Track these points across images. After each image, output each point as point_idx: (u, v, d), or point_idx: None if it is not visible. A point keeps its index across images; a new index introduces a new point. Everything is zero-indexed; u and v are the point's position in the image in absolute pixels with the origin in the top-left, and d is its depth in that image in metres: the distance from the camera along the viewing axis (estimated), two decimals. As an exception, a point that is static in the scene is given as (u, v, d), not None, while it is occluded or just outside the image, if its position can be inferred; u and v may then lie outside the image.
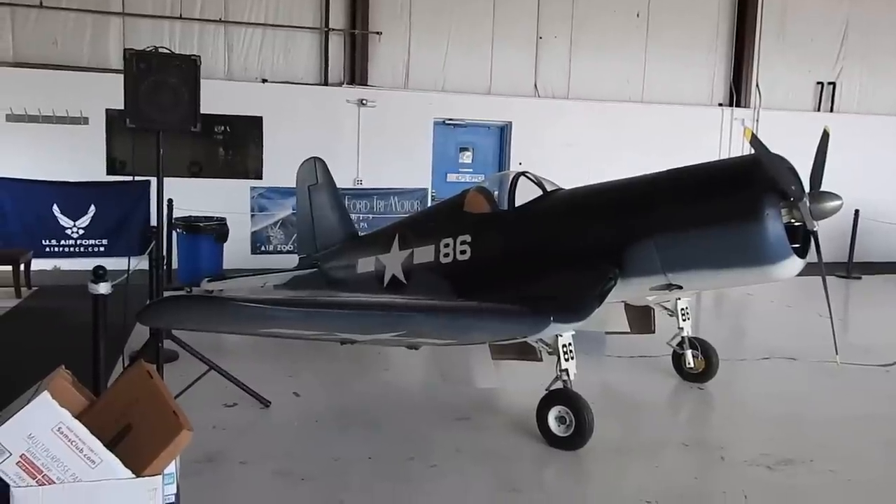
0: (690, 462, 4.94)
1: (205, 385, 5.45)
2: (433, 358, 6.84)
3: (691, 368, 6.45)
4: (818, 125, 5.58)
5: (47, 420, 2.88)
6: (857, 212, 12.54)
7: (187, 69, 5.86)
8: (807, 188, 4.84)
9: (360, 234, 8.44)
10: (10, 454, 2.86)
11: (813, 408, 6.00)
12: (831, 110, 14.81)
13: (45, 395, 2.90)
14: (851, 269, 12.68)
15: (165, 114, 5.78)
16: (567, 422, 4.95)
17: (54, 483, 2.89)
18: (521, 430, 5.23)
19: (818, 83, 14.90)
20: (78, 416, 3.00)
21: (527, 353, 5.41)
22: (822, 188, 4.97)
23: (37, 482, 2.88)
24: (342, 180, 9.84)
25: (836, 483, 4.63)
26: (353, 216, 9.82)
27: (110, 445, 3.01)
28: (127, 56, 5.69)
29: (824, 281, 4.97)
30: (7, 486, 2.90)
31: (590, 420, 4.90)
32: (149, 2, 11.64)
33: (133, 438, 3.11)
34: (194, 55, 6.00)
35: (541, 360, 5.42)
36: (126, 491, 2.94)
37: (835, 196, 4.81)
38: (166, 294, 6.04)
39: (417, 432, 5.24)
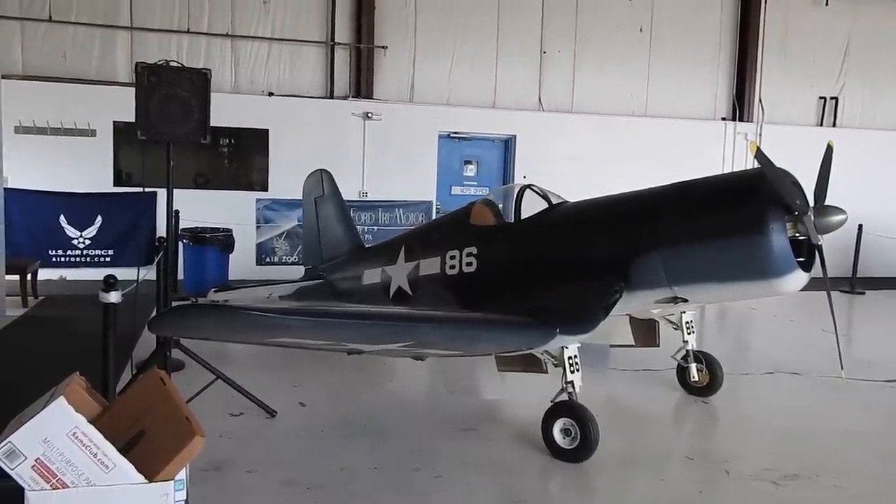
0: (695, 476, 4.93)
1: (211, 394, 5.49)
2: (439, 369, 6.84)
3: (696, 382, 6.46)
4: (821, 140, 5.63)
5: (62, 425, 2.92)
6: (860, 227, 12.56)
7: (197, 82, 5.93)
8: (811, 202, 4.89)
9: (366, 245, 8.48)
10: (26, 458, 2.89)
11: (817, 422, 6.00)
12: (834, 125, 14.87)
13: (61, 401, 2.94)
14: (855, 284, 12.70)
15: (176, 126, 5.85)
16: (572, 434, 4.96)
17: (68, 487, 2.93)
18: (527, 441, 5.25)
19: (820, 98, 14.97)
20: (92, 422, 3.03)
21: (532, 364, 5.44)
22: (827, 202, 5.02)
23: (51, 486, 2.92)
24: (347, 193, 9.86)
25: (842, 498, 4.63)
26: (358, 228, 9.86)
27: (124, 451, 3.04)
28: (138, 69, 5.76)
29: (829, 295, 5.00)
30: (22, 489, 2.93)
31: (595, 432, 4.91)
32: (156, 16, 11.76)
33: (146, 444, 3.14)
34: (205, 68, 6.07)
35: (546, 371, 5.45)
36: (138, 496, 2.97)
37: (839, 210, 4.84)
38: (174, 304, 6.09)
39: (423, 443, 5.26)
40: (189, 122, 5.87)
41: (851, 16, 14.81)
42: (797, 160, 5.73)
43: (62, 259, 10.98)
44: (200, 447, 3.12)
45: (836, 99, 14.99)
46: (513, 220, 6.09)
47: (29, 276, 9.45)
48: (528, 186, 6.20)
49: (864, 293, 12.61)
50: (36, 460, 2.90)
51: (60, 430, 2.91)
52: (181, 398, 3.42)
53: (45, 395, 3.24)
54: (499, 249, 6.03)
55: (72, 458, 2.92)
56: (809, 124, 14.79)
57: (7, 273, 8.64)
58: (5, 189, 8.82)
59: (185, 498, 3.21)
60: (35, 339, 7.91)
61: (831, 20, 14.73)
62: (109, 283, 4.51)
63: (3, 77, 8.69)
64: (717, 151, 14.03)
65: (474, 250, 6.11)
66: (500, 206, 6.34)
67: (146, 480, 2.99)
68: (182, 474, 3.15)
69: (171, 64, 5.95)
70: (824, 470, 4.99)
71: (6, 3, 11.10)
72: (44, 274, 10.21)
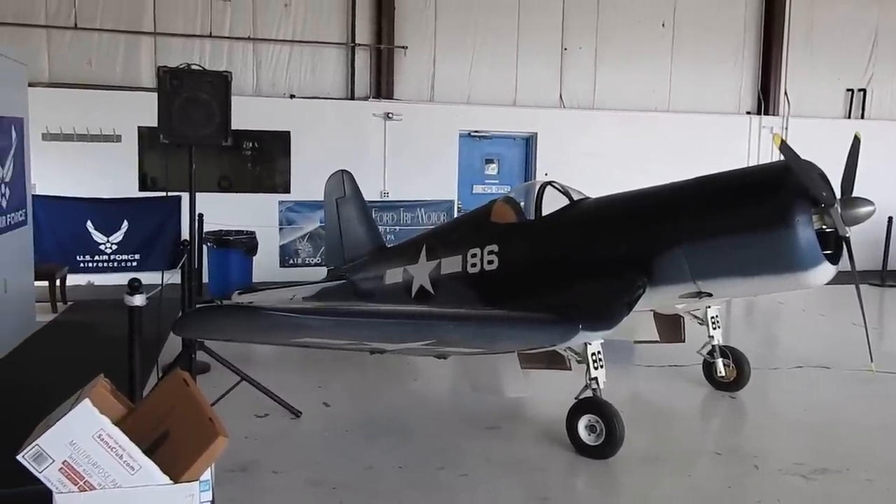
0: (723, 471, 4.90)
1: (236, 396, 5.53)
2: (462, 367, 6.83)
3: (722, 377, 6.39)
4: (849, 132, 5.52)
5: (88, 427, 2.95)
6: (890, 219, 12.35)
7: (218, 85, 5.97)
8: (838, 194, 4.81)
9: (388, 245, 8.49)
10: (53, 461, 2.93)
11: (848, 416, 5.91)
12: (862, 117, 14.60)
13: (87, 403, 2.97)
14: (886, 277, 12.47)
15: (197, 129, 5.90)
16: (597, 430, 4.94)
17: (95, 489, 2.96)
18: (551, 439, 5.23)
19: (848, 90, 14.71)
20: (117, 424, 3.06)
21: (556, 361, 5.42)
22: (854, 194, 4.93)
23: (78, 488, 2.95)
24: (369, 193, 9.90)
25: (873, 492, 4.57)
26: (380, 228, 9.87)
27: (149, 452, 3.06)
28: (160, 73, 5.82)
29: (857, 285, 4.93)
30: (50, 492, 2.97)
31: (620, 429, 4.88)
32: (179, 21, 11.85)
33: (171, 445, 3.16)
34: (225, 71, 6.11)
35: (570, 368, 5.42)
36: (164, 497, 2.99)
37: (867, 201, 4.77)
38: (199, 306, 6.13)
39: (447, 442, 5.26)
40: (210, 124, 5.92)
41: (879, 7, 14.53)
42: (825, 153, 5.64)
43: (90, 264, 11.12)
44: (224, 447, 3.14)
45: (863, 91, 14.73)
46: (534, 218, 6.06)
47: (57, 282, 9.57)
48: (549, 183, 6.17)
49: (895, 286, 12.38)
50: (63, 463, 2.93)
51: (86, 433, 2.93)
52: (205, 399, 3.45)
53: (70, 399, 3.28)
54: (520, 247, 6.01)
55: (98, 460, 2.95)
56: (837, 117, 14.54)
57: (36, 279, 8.75)
58: (33, 196, 8.94)
59: (210, 499, 3.23)
60: (64, 344, 8.01)
61: (858, 12, 14.46)
62: (134, 287, 4.56)
63: (30, 85, 8.79)
64: (743, 146, 13.83)
65: (496, 248, 6.09)
66: (522, 203, 6.31)
67: (171, 481, 3.01)
68: (207, 475, 3.17)
69: (193, 67, 6.00)
70: (855, 464, 4.92)
71: (33, 12, 11.26)
72: (72, 279, 10.32)
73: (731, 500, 4.52)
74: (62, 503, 2.95)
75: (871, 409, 6.09)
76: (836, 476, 4.75)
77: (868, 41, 14.63)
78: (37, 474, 2.94)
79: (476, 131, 13.03)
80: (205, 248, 10.38)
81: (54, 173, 10.73)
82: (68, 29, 11.42)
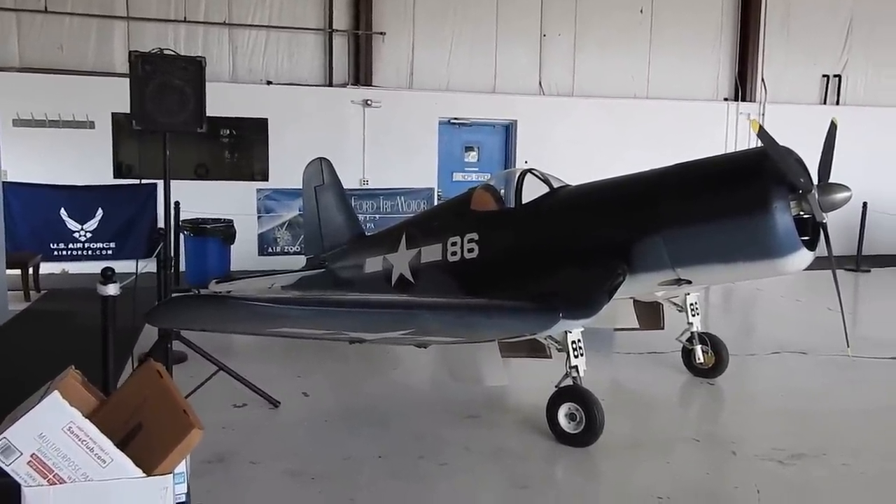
0: (702, 457, 4.92)
1: (214, 386, 5.47)
2: (442, 356, 6.80)
3: (701, 364, 6.43)
4: (825, 118, 5.54)
5: (57, 419, 2.88)
6: (865, 204, 12.49)
7: (192, 70, 5.86)
8: (815, 180, 4.82)
9: (367, 234, 8.43)
10: (21, 454, 2.86)
11: (824, 401, 5.97)
12: (837, 103, 14.74)
13: (55, 395, 2.90)
14: (860, 262, 12.62)
15: (171, 115, 5.78)
16: (577, 419, 4.94)
17: (65, 482, 2.89)
18: (532, 427, 5.22)
19: (824, 76, 14.83)
20: (88, 416, 2.99)
21: (536, 350, 5.41)
22: (831, 180, 4.94)
23: (48, 482, 2.89)
24: (348, 181, 9.81)
25: (849, 476, 4.60)
26: (359, 216, 9.80)
27: (121, 444, 3.01)
28: (132, 58, 5.69)
29: (834, 272, 4.95)
30: (18, 485, 2.90)
31: (600, 416, 4.88)
32: (153, 5, 11.67)
33: (144, 437, 3.11)
34: (199, 56, 6.00)
35: (550, 357, 5.41)
36: (137, 490, 2.94)
37: (843, 187, 4.77)
38: (174, 295, 6.04)
39: (427, 431, 5.23)
40: (184, 111, 5.81)
41: (854, -7, 14.66)
42: (801, 139, 5.65)
43: (64, 252, 10.95)
44: (198, 440, 3.08)
45: (839, 77, 14.85)
46: (514, 206, 6.03)
47: (31, 270, 9.42)
48: (529, 171, 6.14)
49: (869, 271, 12.54)
50: (32, 456, 2.86)
51: (55, 425, 2.87)
52: (178, 390, 3.39)
53: (40, 390, 3.21)
54: (500, 235, 5.98)
55: (68, 453, 2.88)
56: (813, 103, 14.67)
57: (8, 267, 8.59)
58: (4, 183, 8.76)
59: (185, 491, 3.18)
60: (38, 334, 7.88)
61: (834, -2, 14.58)
62: (107, 276, 4.47)
63: (0, 70, 8.59)
64: (720, 132, 13.91)
65: (475, 236, 6.05)
66: (502, 191, 6.28)
67: (144, 474, 2.96)
68: (182, 467, 3.12)
69: (166, 52, 5.88)
70: (831, 448, 4.96)
71: (1, -5, 11.05)
72: (46, 268, 10.17)
73: (710, 485, 4.53)
74: (31, 497, 2.88)
75: (847, 394, 6.16)
76: (812, 461, 4.79)
77: (843, 27, 14.75)
78: (4, 467, 2.88)
79: (456, 118, 12.98)
80: (182, 236, 10.26)
81: (26, 160, 10.54)
82: (38, 13, 11.20)
